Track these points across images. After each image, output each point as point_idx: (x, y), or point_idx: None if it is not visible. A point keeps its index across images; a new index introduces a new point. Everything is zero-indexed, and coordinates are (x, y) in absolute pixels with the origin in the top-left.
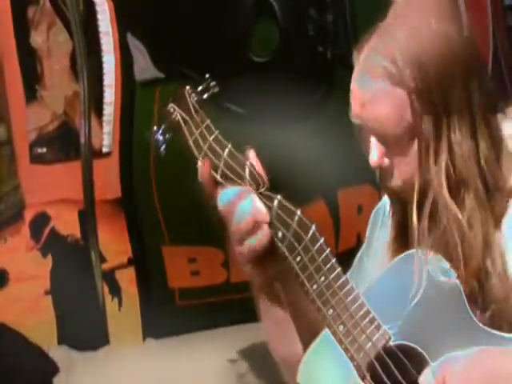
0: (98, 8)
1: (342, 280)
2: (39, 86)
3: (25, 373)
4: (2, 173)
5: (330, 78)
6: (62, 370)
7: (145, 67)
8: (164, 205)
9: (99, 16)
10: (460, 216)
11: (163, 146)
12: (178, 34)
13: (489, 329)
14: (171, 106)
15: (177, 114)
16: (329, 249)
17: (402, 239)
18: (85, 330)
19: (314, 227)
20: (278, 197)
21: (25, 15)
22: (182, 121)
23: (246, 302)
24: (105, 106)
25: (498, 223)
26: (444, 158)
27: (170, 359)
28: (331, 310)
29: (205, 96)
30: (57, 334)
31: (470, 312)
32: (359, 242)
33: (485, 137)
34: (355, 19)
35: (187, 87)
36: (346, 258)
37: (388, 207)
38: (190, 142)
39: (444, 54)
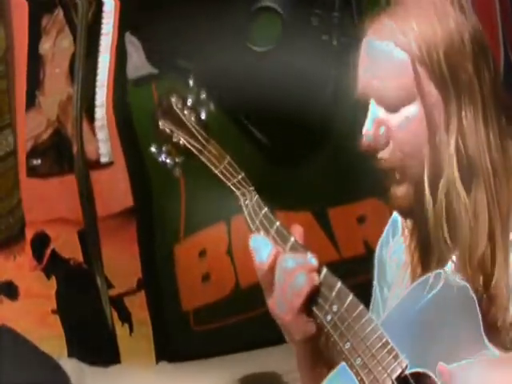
0: (104, 14)
1: (358, 310)
2: (39, 91)
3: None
4: (10, 185)
5: (336, 69)
6: (72, 380)
7: (138, 64)
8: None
9: (104, 20)
10: (468, 203)
11: (176, 170)
12: (175, 26)
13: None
14: (163, 124)
15: (179, 137)
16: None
17: (423, 261)
18: (94, 351)
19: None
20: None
21: (39, 24)
22: (194, 150)
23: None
24: (96, 109)
25: (504, 216)
26: (454, 134)
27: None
28: (348, 344)
29: (203, 116)
30: (67, 348)
31: (481, 322)
32: (368, 248)
33: (495, 128)
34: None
35: (172, 99)
36: (356, 265)
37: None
38: (228, 184)
39: (455, 37)
